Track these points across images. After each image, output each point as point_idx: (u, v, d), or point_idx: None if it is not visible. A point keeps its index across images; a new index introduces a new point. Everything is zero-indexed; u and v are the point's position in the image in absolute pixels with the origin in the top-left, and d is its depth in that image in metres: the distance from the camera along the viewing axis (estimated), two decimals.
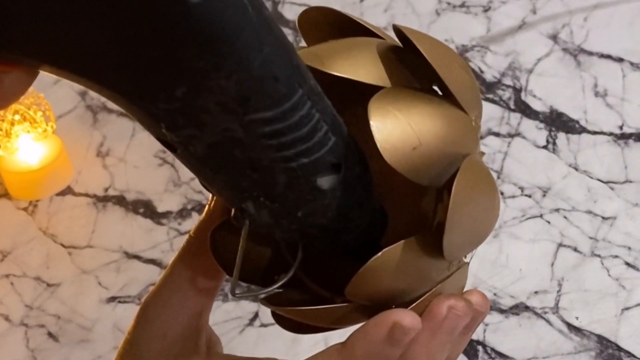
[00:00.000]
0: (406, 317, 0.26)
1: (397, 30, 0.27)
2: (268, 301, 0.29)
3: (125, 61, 0.20)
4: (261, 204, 0.25)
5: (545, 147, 0.88)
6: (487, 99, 0.91)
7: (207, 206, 0.32)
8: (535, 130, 0.88)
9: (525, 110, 0.89)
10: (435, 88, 0.28)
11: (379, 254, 0.26)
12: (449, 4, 0.94)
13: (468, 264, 0.30)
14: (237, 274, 0.27)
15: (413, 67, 0.27)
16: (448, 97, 0.27)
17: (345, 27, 0.29)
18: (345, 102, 0.26)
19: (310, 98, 0.23)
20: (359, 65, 0.27)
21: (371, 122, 0.24)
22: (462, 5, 0.94)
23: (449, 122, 0.26)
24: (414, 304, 0.27)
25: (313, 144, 0.23)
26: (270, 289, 0.28)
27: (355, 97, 0.27)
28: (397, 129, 0.25)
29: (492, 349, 0.78)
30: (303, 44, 0.30)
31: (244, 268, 0.28)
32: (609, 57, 0.90)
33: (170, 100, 0.21)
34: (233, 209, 0.26)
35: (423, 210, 0.29)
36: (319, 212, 0.26)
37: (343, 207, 0.26)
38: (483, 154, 0.29)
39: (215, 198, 0.32)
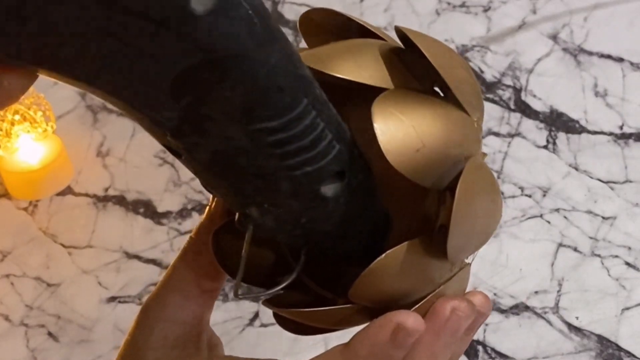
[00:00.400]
0: (409, 319, 0.26)
1: (399, 32, 0.27)
2: (270, 303, 0.29)
3: (130, 71, 0.20)
4: (265, 210, 0.25)
5: (545, 147, 0.88)
6: (487, 99, 0.91)
7: (207, 207, 0.32)
8: (535, 130, 0.88)
9: (525, 110, 0.89)
10: (437, 89, 0.28)
11: (382, 255, 0.26)
12: (449, 4, 0.94)
13: (470, 265, 0.30)
14: (240, 276, 0.28)
15: (415, 69, 0.27)
16: (450, 98, 0.27)
17: (346, 29, 0.29)
18: (347, 104, 0.26)
19: (315, 107, 0.23)
20: (361, 67, 0.27)
21: (375, 125, 0.24)
22: (462, 5, 0.94)
23: (452, 124, 0.26)
24: (416, 306, 0.27)
25: (317, 153, 0.23)
26: (272, 290, 0.29)
27: (357, 99, 0.27)
28: (400, 131, 0.25)
29: (492, 349, 0.78)
30: (303, 44, 0.30)
31: (246, 270, 0.28)
32: (609, 57, 0.90)
33: (174, 109, 0.21)
34: (237, 214, 0.26)
35: (425, 212, 0.29)
36: (322, 218, 0.26)
37: (347, 213, 0.26)
38: (485, 155, 0.29)
39: (216, 199, 0.32)
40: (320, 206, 0.25)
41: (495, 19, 0.94)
